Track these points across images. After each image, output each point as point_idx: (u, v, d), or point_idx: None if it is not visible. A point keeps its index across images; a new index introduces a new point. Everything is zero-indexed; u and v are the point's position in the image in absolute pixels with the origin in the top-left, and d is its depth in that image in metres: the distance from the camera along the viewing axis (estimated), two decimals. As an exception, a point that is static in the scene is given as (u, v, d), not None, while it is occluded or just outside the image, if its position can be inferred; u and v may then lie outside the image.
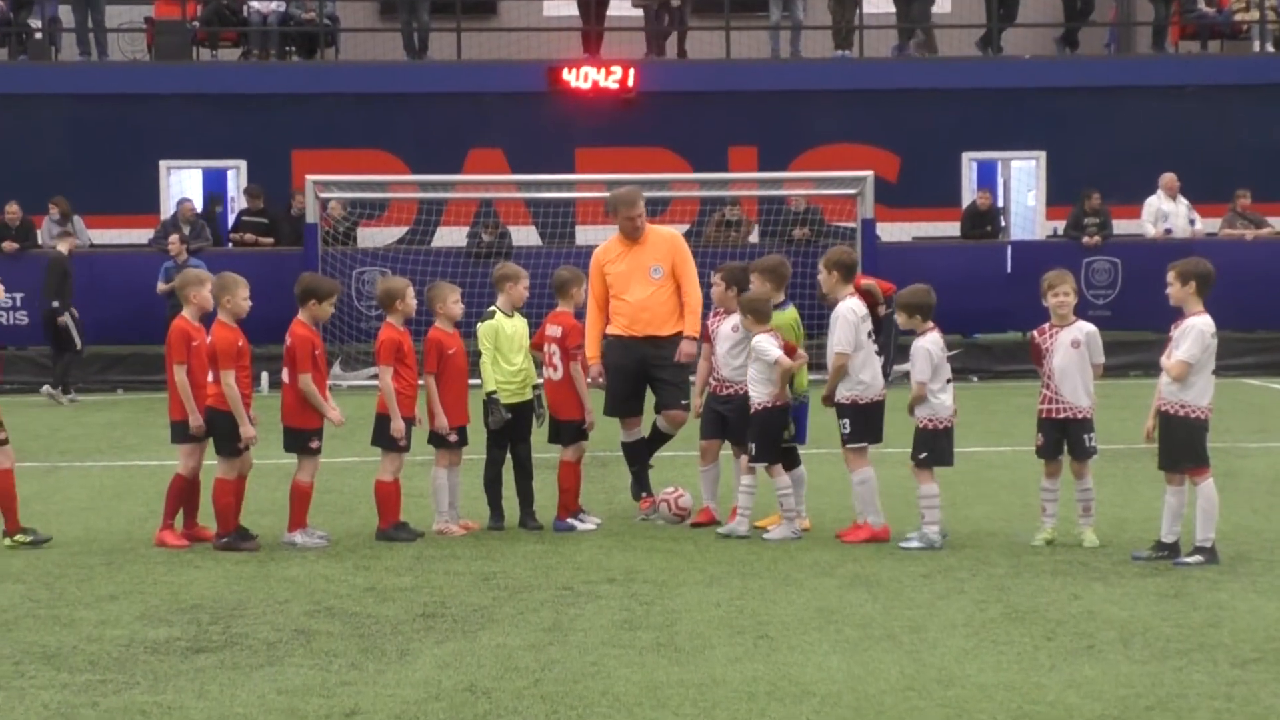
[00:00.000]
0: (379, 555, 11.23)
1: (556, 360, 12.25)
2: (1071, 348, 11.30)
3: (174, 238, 23.95)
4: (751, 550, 11.19)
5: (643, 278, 12.72)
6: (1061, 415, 11.32)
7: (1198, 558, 10.61)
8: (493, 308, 12.37)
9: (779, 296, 12.08)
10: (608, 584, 10.17)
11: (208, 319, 11.68)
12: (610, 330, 12.76)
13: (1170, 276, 10.81)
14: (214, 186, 30.03)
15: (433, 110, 28.79)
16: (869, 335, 11.65)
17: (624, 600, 9.68)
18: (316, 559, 11.09)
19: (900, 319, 11.69)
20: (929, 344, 11.44)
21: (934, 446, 11.40)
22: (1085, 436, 11.30)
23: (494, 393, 12.13)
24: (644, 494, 12.82)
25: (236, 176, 29.17)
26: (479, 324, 12.27)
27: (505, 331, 12.22)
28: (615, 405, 12.80)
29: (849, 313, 11.57)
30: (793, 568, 10.60)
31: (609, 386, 12.75)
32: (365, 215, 26.24)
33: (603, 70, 28.94)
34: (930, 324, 11.57)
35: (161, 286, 23.36)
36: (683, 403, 12.68)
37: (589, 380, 12.51)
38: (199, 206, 27.42)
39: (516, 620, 9.20)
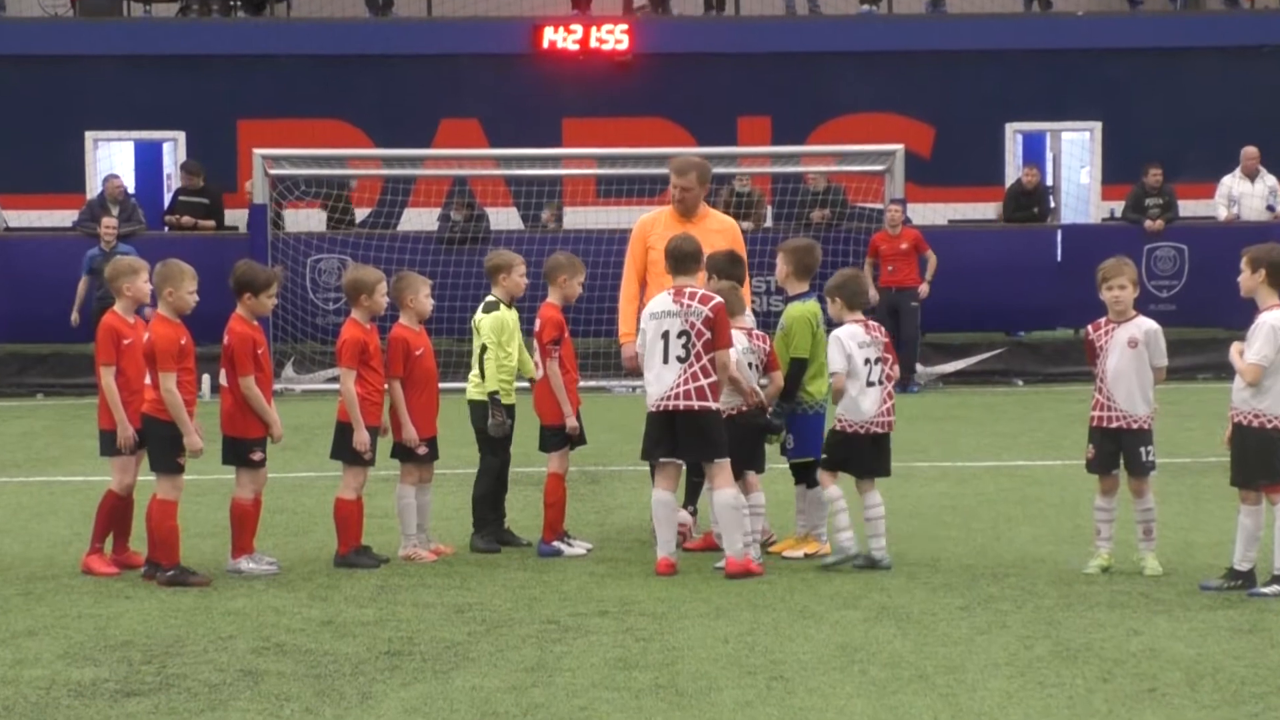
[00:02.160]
0: (337, 584, 11.23)
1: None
2: (1129, 347, 11.29)
3: (108, 221, 23.93)
4: (763, 579, 11.20)
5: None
6: (1115, 425, 11.32)
7: (1275, 588, 10.62)
8: (494, 298, 12.43)
9: (801, 285, 12.14)
10: (599, 617, 10.17)
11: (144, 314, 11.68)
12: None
13: (1243, 263, 10.84)
14: (147, 161, 30.04)
15: (399, 75, 28.81)
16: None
17: (618, 636, 9.69)
18: (265, 588, 11.09)
19: (830, 308, 11.81)
20: (843, 334, 11.53)
21: (834, 450, 11.55)
22: (1142, 449, 11.30)
23: (496, 393, 12.21)
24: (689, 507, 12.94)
25: (173, 150, 29.18)
26: (481, 316, 12.36)
27: (509, 326, 12.34)
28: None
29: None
30: (811, 599, 10.61)
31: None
32: (303, 195, 26.11)
33: (594, 29, 28.96)
34: (858, 314, 11.63)
35: (82, 282, 23.30)
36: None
37: (625, 363, 12.73)
38: (130, 185, 27.45)
39: (495, 659, 9.20)
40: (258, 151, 24.55)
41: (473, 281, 23.19)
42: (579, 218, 25.87)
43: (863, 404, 11.50)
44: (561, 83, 28.87)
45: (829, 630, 9.77)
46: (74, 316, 23.29)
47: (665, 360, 11.33)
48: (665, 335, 11.33)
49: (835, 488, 11.57)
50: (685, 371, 11.27)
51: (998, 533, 12.78)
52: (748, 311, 12.22)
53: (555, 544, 12.12)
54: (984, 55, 29.25)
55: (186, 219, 26.22)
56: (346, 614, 10.34)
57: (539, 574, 11.50)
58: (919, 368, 24.45)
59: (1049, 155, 30.97)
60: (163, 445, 11.27)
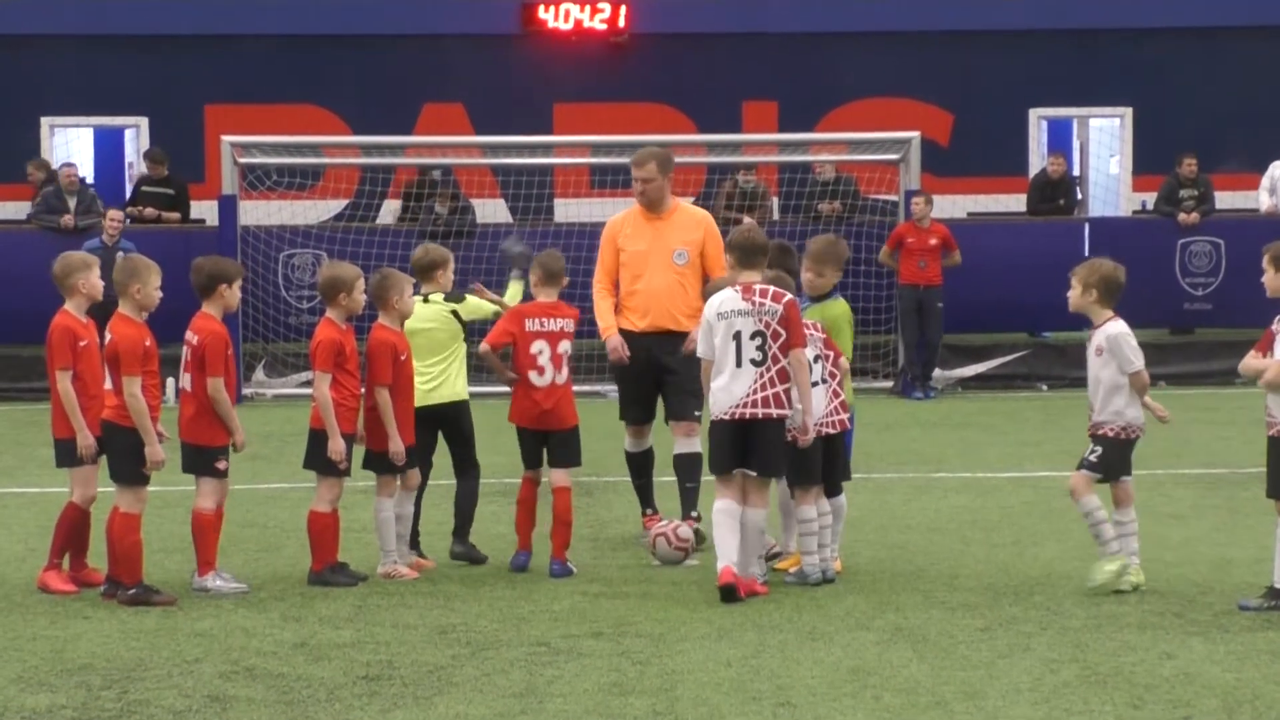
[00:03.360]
0: (311, 604, 11.23)
1: (542, 362, 12.31)
2: (1095, 355, 11.56)
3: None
4: (770, 598, 11.20)
5: (663, 262, 13.05)
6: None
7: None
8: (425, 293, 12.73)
9: (828, 282, 12.19)
10: (593, 639, 10.18)
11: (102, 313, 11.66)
12: (620, 324, 13.16)
13: (1265, 261, 10.96)
14: (108, 149, 30.03)
15: (378, 57, 28.82)
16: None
17: (613, 659, 9.69)
18: (234, 608, 11.09)
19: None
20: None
21: (791, 459, 11.51)
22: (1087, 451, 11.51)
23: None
24: (650, 510, 13.32)
25: (136, 137, 29.17)
26: (460, 302, 12.64)
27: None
28: (624, 408, 13.41)
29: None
30: (820, 619, 10.61)
31: (619, 389, 13.36)
32: (275, 185, 25.97)
33: (588, 8, 28.98)
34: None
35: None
36: (696, 413, 12.97)
37: (610, 354, 13.02)
38: (89, 173, 27.44)
39: (481, 684, 9.20)
40: (226, 139, 24.54)
41: (455, 278, 23.16)
42: (571, 210, 25.85)
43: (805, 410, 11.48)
44: (553, 65, 28.88)
45: (839, 653, 9.77)
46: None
47: (739, 364, 11.18)
48: (737, 336, 11.19)
49: (808, 507, 11.57)
50: (762, 377, 11.16)
51: (1021, 549, 12.78)
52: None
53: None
54: (1006, 35, 29.27)
55: (149, 211, 26.19)
56: (321, 636, 10.34)
57: (527, 593, 11.50)
58: (937, 371, 24.47)
59: (1076, 143, 30.98)
60: (125, 454, 11.24)
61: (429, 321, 12.52)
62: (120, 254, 22.30)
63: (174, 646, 10.08)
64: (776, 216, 26.20)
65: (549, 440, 12.29)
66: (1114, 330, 11.44)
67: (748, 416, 11.16)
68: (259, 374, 24.17)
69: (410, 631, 10.43)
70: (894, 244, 24.19)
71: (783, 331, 11.16)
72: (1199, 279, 25.67)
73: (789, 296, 11.33)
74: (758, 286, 11.29)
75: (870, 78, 28.97)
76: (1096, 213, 29.49)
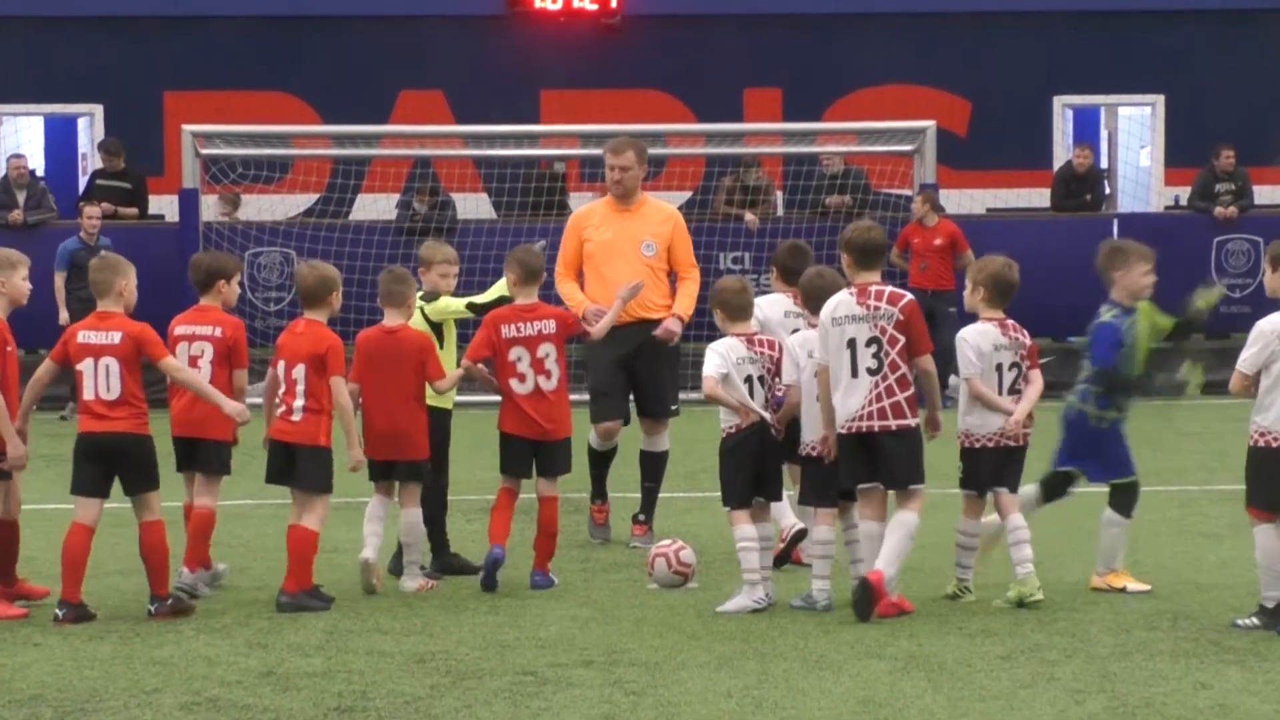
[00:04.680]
0: (279, 629, 11.23)
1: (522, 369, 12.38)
2: None
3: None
4: (773, 624, 11.21)
5: (631, 252, 13.57)
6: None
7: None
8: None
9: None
10: (583, 668, 10.18)
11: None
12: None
13: (1265, 260, 11.16)
14: (60, 139, 30.03)
15: (351, 40, 28.84)
16: None
17: (604, 689, 9.70)
18: (195, 634, 11.09)
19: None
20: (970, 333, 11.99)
21: (812, 477, 11.75)
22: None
23: None
24: (600, 501, 14.04)
25: (90, 127, 29.18)
26: (431, 301, 12.76)
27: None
28: (593, 403, 13.78)
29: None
30: (828, 646, 10.62)
31: (589, 384, 13.64)
32: (240, 178, 26.02)
33: (577, -13, 29.01)
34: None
35: (59, 277, 23.30)
36: (672, 408, 13.69)
37: (586, 324, 13.21)
38: (40, 165, 27.43)
39: (461, 715, 9.20)
40: (187, 128, 24.58)
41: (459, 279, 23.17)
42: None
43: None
44: (540, 49, 28.91)
45: (849, 683, 9.78)
46: (63, 316, 23.15)
47: (854, 374, 11.27)
48: (851, 344, 11.28)
49: (824, 528, 11.68)
50: (879, 385, 11.26)
51: (1044, 571, 12.78)
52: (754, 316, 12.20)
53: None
54: (1028, 17, 29.31)
55: (105, 206, 26.19)
56: (289, 664, 10.34)
57: (512, 618, 11.51)
58: (953, 380, 24.45)
59: (1104, 134, 31.01)
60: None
61: None
62: (102, 252, 22.36)
63: (131, 675, 10.08)
64: (781, 212, 26.25)
65: (539, 450, 12.34)
66: (962, 332, 11.80)
67: (864, 430, 11.27)
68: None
69: (385, 660, 10.43)
70: (903, 244, 24.20)
71: (900, 337, 11.28)
72: (1236, 279, 25.73)
73: (908, 298, 11.44)
74: (873, 288, 11.38)
75: (882, 63, 29.00)
76: (1126, 208, 29.50)
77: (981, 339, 11.80)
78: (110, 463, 11.44)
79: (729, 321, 11.72)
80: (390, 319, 12.38)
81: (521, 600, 12.06)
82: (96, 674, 10.15)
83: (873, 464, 11.33)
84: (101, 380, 11.36)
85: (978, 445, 11.85)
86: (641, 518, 13.85)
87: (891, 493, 11.51)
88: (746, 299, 11.85)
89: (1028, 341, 12.10)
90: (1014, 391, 11.94)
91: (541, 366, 12.31)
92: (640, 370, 13.57)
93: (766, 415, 11.60)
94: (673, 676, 9.95)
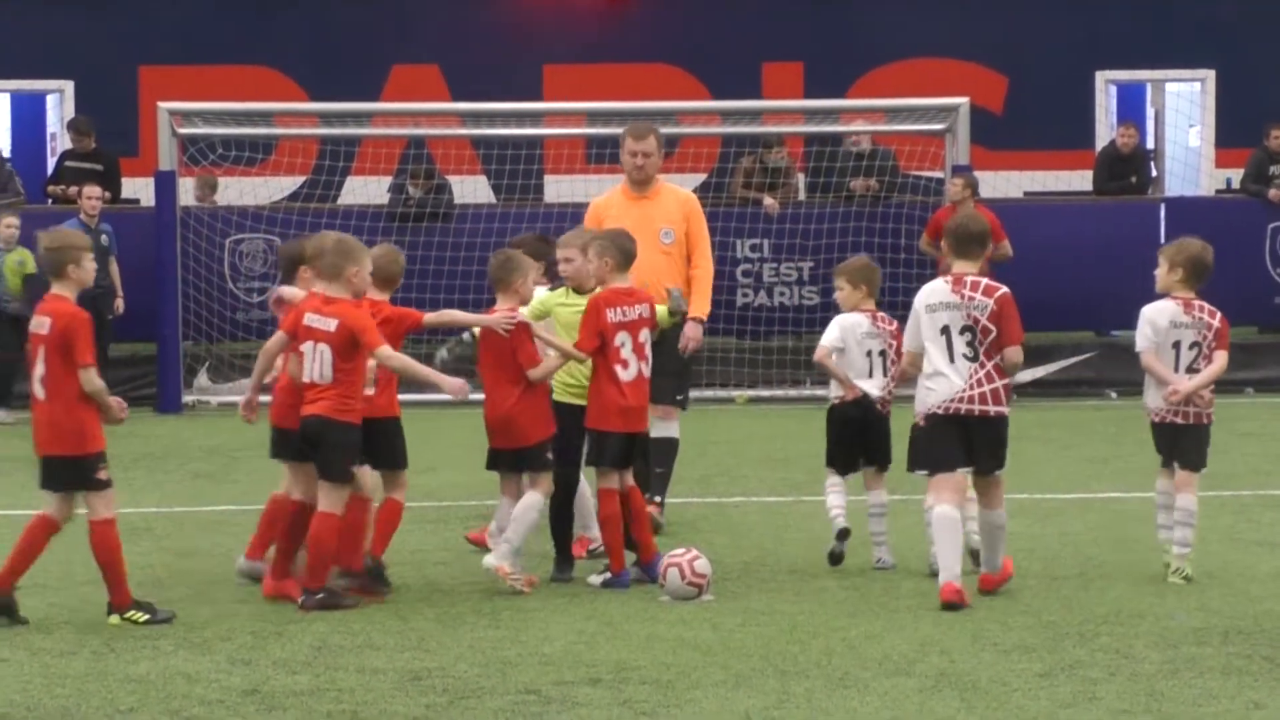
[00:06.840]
0: (263, 645, 11.25)
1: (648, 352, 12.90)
2: None
3: (89, 190, 23.89)
4: (794, 639, 11.23)
5: (650, 240, 13.90)
6: None
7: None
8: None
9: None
10: (590, 686, 10.19)
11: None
12: None
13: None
14: (27, 118, 30.06)
15: (339, 11, 28.85)
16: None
17: (613, 709, 9.71)
18: (174, 650, 11.11)
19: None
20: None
21: None
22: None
23: None
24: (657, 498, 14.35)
25: (59, 104, 29.21)
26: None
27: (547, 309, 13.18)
28: None
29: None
30: (853, 664, 10.63)
31: None
32: (220, 160, 26.07)
33: (583, -47, 29.04)
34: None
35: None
36: (679, 397, 14.32)
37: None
38: (5, 145, 27.46)
39: (459, 738, 9.23)
40: (163, 105, 24.57)
41: (430, 268, 23.25)
42: (564, 188, 25.83)
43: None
44: (543, 20, 28.93)
45: (876, 703, 9.79)
46: None
47: (951, 360, 12.01)
48: (945, 331, 12.03)
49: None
50: (976, 373, 12.01)
51: (1086, 582, 12.80)
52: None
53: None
54: (1069, -13, 29.33)
55: (75, 189, 26.23)
56: (275, 682, 10.36)
57: (514, 632, 11.52)
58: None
59: (1150, 111, 31.01)
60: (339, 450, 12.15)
61: None
62: (103, 236, 22.41)
63: (105, 694, 10.11)
64: (803, 196, 26.26)
65: (634, 439, 12.85)
66: (1145, 308, 12.89)
67: (963, 412, 12.00)
68: (201, 379, 24.19)
69: (378, 677, 10.44)
70: (934, 232, 24.13)
71: (993, 328, 11.96)
72: (1292, 268, 25.73)
73: (1002, 290, 12.09)
74: (969, 279, 12.09)
75: (911, 35, 29.01)
76: (1174, 191, 29.52)
77: (1159, 315, 12.83)
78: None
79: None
80: (501, 304, 12.72)
81: (524, 614, 12.08)
82: (68, 691, 10.17)
83: (965, 447, 12.07)
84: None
85: (1155, 420, 13.00)
86: (657, 499, 14.28)
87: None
88: (875, 275, 13.47)
89: (1215, 323, 12.82)
90: (1192, 370, 12.77)
91: (643, 352, 12.80)
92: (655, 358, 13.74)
93: (873, 391, 13.05)
94: (686, 696, 9.96)
